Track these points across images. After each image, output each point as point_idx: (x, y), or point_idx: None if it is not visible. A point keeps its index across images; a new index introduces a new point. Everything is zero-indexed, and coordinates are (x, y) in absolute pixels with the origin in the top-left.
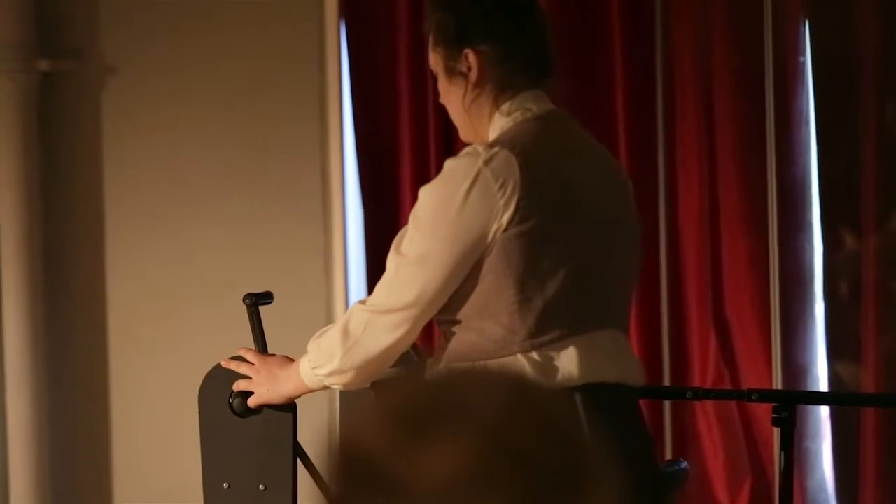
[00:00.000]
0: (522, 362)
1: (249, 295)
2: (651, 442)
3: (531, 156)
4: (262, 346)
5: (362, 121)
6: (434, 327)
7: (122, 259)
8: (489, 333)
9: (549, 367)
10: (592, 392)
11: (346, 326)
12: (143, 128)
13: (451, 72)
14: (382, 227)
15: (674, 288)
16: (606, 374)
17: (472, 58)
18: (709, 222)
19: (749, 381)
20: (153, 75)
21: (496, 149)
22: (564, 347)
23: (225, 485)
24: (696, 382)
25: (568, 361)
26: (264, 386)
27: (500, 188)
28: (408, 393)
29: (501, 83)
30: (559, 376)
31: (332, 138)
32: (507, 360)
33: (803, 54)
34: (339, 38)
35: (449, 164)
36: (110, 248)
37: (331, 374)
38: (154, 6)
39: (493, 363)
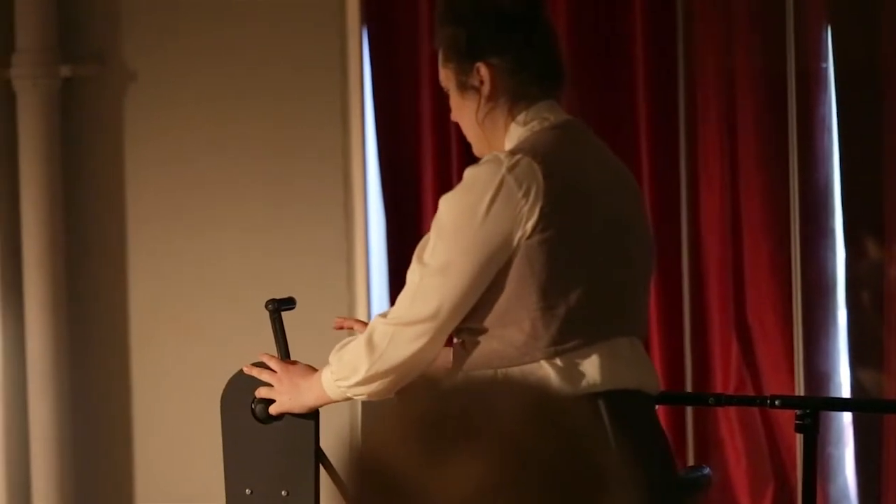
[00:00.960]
0: (546, 368)
1: (272, 301)
2: (670, 449)
3: (552, 164)
4: (284, 353)
5: (384, 127)
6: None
7: (143, 263)
8: (511, 340)
9: (572, 373)
10: (614, 398)
11: (371, 339)
12: (164, 132)
13: (464, 86)
14: (404, 232)
15: (696, 294)
16: (627, 381)
17: (484, 71)
18: (731, 228)
19: (771, 388)
20: (174, 80)
21: (518, 156)
22: (587, 354)
23: (247, 490)
24: (719, 388)
25: (591, 368)
26: (286, 395)
27: (523, 196)
28: (428, 401)
29: (515, 95)
30: (583, 382)
31: (353, 144)
32: (530, 367)
33: (826, 60)
34: (361, 43)
35: (470, 171)
36: (132, 252)
37: (355, 386)
38: (175, 11)
39: (516, 370)
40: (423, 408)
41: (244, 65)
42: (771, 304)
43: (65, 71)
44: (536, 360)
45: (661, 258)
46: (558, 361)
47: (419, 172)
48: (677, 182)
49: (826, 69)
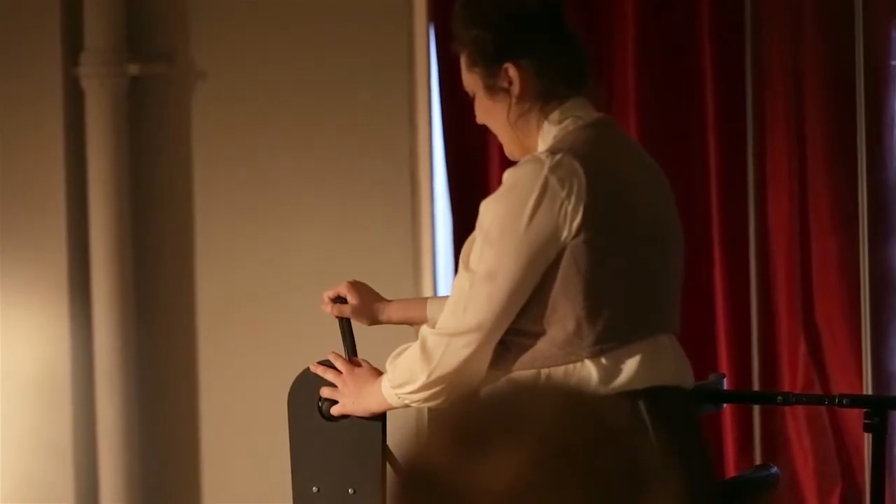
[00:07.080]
0: (589, 367)
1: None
2: (708, 444)
3: (593, 162)
4: (351, 352)
5: (451, 126)
6: None
7: (211, 261)
8: (556, 339)
9: (615, 371)
10: (655, 395)
11: (425, 347)
12: (232, 131)
13: (492, 89)
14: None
15: (763, 293)
16: (668, 378)
17: (512, 72)
18: (799, 226)
19: (839, 387)
20: (242, 79)
21: (559, 156)
22: (631, 352)
23: (314, 488)
24: (786, 387)
25: (634, 365)
26: (349, 398)
27: (567, 195)
28: (468, 404)
29: (545, 94)
30: (625, 380)
31: (420, 142)
32: (574, 366)
33: (895, 58)
34: (428, 42)
35: (511, 174)
36: (199, 250)
37: (413, 393)
38: (243, 10)
39: (560, 370)
40: (462, 411)
41: (311, 63)
42: (839, 303)
43: (133, 70)
44: (581, 360)
45: (728, 257)
46: (602, 360)
47: (486, 172)
48: (745, 181)
49: (895, 67)
